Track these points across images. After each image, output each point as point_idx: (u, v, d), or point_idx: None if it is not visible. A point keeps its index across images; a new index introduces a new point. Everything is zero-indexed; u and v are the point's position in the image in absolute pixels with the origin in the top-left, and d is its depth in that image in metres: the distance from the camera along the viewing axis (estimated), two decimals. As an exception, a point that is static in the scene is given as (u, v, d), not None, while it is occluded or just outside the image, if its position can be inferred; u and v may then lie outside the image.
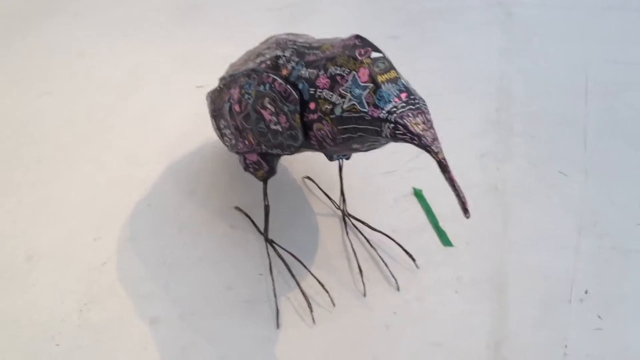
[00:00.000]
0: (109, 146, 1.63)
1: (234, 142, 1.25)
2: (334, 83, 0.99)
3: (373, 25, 2.13)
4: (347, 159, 1.35)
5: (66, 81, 1.87)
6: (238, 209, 1.44)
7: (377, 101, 0.94)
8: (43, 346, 1.18)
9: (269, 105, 1.09)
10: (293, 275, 1.27)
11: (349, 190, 1.47)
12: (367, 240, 1.36)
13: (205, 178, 1.53)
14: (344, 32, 1.29)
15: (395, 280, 1.29)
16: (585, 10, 2.21)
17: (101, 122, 1.71)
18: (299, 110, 1.04)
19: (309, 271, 1.30)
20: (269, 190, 1.31)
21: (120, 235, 1.39)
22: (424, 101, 0.95)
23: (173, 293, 1.28)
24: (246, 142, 1.20)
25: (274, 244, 1.34)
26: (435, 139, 0.91)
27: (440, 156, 0.90)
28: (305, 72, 1.05)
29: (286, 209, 1.45)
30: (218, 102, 1.28)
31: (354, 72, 0.97)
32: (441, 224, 1.41)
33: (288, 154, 1.13)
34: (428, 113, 0.94)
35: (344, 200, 1.42)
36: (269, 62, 1.13)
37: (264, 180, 1.29)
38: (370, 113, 0.94)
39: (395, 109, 0.93)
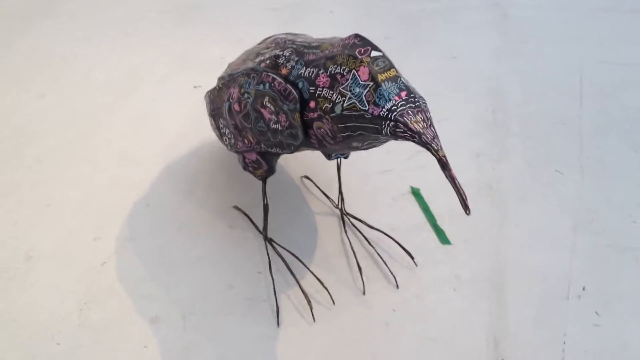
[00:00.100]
0: (108, 146, 1.63)
1: (233, 141, 1.26)
2: (334, 82, 1.00)
3: (369, 26, 2.14)
4: (346, 157, 1.35)
5: (65, 81, 1.88)
6: (237, 208, 1.45)
7: (377, 99, 0.95)
8: (43, 345, 1.19)
9: (268, 104, 1.09)
10: (293, 274, 1.28)
11: (347, 190, 1.47)
12: (366, 239, 1.37)
13: (203, 178, 1.54)
14: (340, 32, 1.30)
15: (395, 278, 1.29)
16: (580, 12, 2.23)
17: (100, 122, 1.72)
18: (299, 109, 1.04)
19: (309, 269, 1.30)
20: (267, 189, 1.32)
21: (119, 235, 1.40)
22: (423, 99, 0.96)
23: (173, 292, 1.28)
24: (245, 141, 1.20)
25: (273, 243, 1.34)
26: (435, 136, 0.92)
27: (440, 154, 0.91)
28: (304, 71, 1.05)
29: (284, 208, 1.46)
30: (217, 102, 1.29)
31: (354, 71, 0.98)
32: (439, 222, 1.42)
33: (288, 153, 1.14)
34: (428, 111, 0.95)
35: (342, 199, 1.42)
36: (268, 62, 1.14)
37: (263, 179, 1.29)
38: (370, 111, 0.95)
39: (395, 107, 0.93)
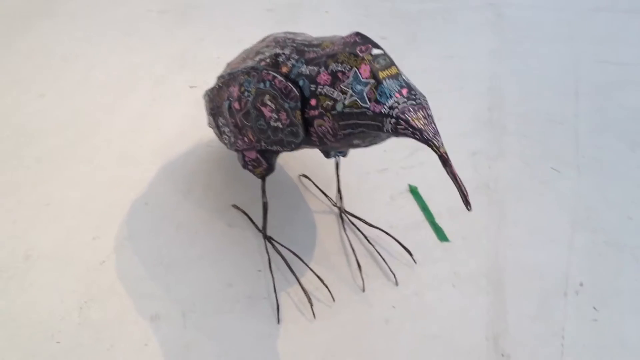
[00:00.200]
0: (107, 146, 1.63)
1: (233, 139, 1.26)
2: (335, 79, 1.00)
3: (365, 26, 2.14)
4: (344, 156, 1.36)
5: (65, 81, 1.87)
6: (235, 207, 1.45)
7: (378, 97, 0.95)
8: (43, 344, 1.18)
9: (269, 103, 1.10)
10: (293, 271, 1.28)
11: (345, 188, 1.48)
12: (365, 237, 1.38)
13: (201, 177, 1.54)
14: (338, 33, 1.31)
15: (394, 275, 1.30)
16: (574, 12, 2.25)
17: (99, 122, 1.72)
18: (300, 106, 1.05)
19: (308, 267, 1.31)
20: (265, 188, 1.32)
21: (118, 235, 1.40)
22: (424, 97, 0.97)
23: (173, 291, 1.28)
24: (245, 139, 1.21)
25: (273, 241, 1.35)
26: (436, 133, 0.93)
27: (441, 150, 0.92)
28: (305, 69, 1.06)
29: (283, 206, 1.46)
30: (217, 100, 1.29)
31: (355, 69, 0.98)
32: (437, 220, 1.43)
33: (288, 151, 1.14)
34: (429, 108, 0.96)
35: (341, 198, 1.43)
36: (268, 60, 1.14)
37: (263, 178, 1.29)
38: (371, 109, 0.96)
39: (396, 104, 0.94)
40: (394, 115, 0.94)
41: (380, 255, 1.34)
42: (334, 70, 1.01)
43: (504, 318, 1.23)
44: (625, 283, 1.30)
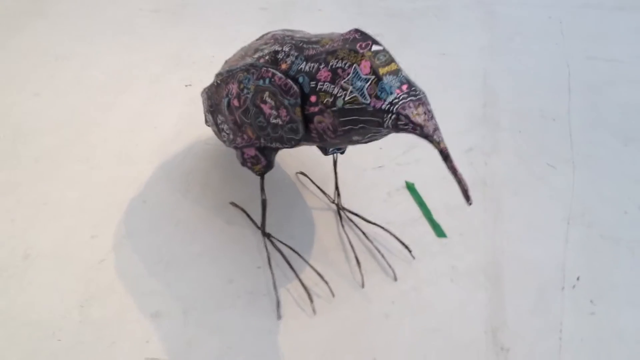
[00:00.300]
0: (104, 145, 1.63)
1: (232, 137, 1.26)
2: (335, 76, 1.01)
3: (358, 24, 2.15)
4: (342, 153, 1.37)
5: (59, 80, 1.87)
6: (234, 204, 1.46)
7: (379, 93, 0.96)
8: (44, 342, 1.18)
9: (268, 99, 1.10)
10: (292, 268, 1.29)
11: (343, 185, 1.49)
12: (363, 233, 1.39)
13: (199, 175, 1.54)
14: (334, 30, 1.32)
15: (393, 270, 1.31)
16: (564, 9, 2.27)
17: (95, 120, 1.72)
18: (300, 103, 1.05)
19: (308, 263, 1.31)
20: (263, 186, 1.33)
21: (117, 233, 1.40)
22: (424, 92, 0.98)
23: (173, 288, 1.29)
24: (245, 136, 1.21)
25: (272, 238, 1.35)
26: (436, 128, 0.94)
27: (442, 145, 0.93)
28: (305, 66, 1.06)
29: (281, 204, 1.47)
30: (215, 98, 1.29)
31: (356, 65, 0.99)
32: (434, 216, 1.44)
33: (288, 147, 1.15)
34: (429, 104, 0.97)
35: (338, 194, 1.44)
36: (267, 57, 1.14)
37: (262, 175, 1.30)
38: (372, 105, 0.96)
39: (397, 100, 0.95)
40: (395, 111, 0.94)
41: (379, 251, 1.35)
42: (334, 66, 1.01)
43: (502, 312, 1.25)
44: (622, 276, 1.32)
